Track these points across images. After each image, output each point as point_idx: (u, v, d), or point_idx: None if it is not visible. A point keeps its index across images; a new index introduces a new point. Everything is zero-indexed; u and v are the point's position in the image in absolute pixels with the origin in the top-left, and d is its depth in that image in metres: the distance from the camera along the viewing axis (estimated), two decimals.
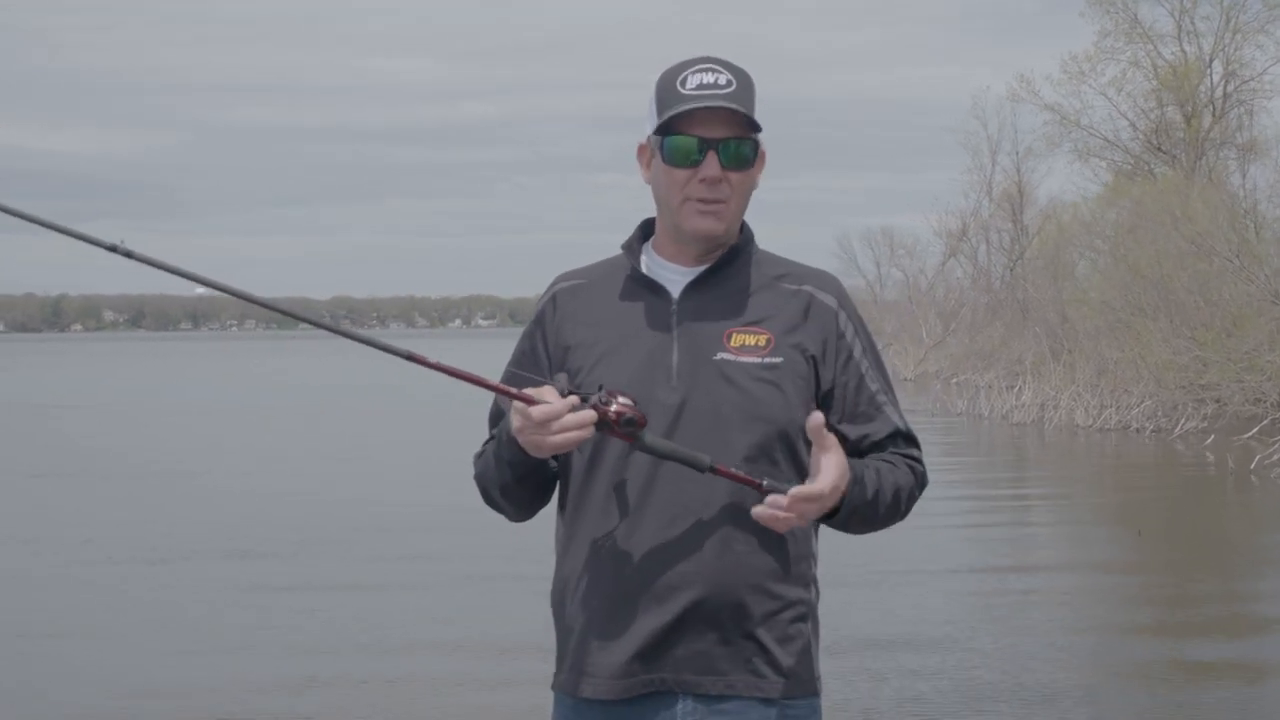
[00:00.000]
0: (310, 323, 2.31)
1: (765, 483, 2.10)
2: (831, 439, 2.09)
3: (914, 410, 25.25)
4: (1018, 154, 41.11)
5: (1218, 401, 20.07)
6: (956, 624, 7.68)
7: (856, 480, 2.14)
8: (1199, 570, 9.67)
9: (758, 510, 2.07)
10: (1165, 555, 10.39)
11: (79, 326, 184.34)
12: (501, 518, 2.36)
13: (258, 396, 31.85)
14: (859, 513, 2.16)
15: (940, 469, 16.71)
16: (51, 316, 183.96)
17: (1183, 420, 19.65)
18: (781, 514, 2.06)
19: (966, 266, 44.80)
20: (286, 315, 2.37)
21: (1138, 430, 20.14)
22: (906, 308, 45.37)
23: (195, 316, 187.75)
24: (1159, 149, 31.40)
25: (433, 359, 2.12)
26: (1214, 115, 30.95)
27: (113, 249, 2.13)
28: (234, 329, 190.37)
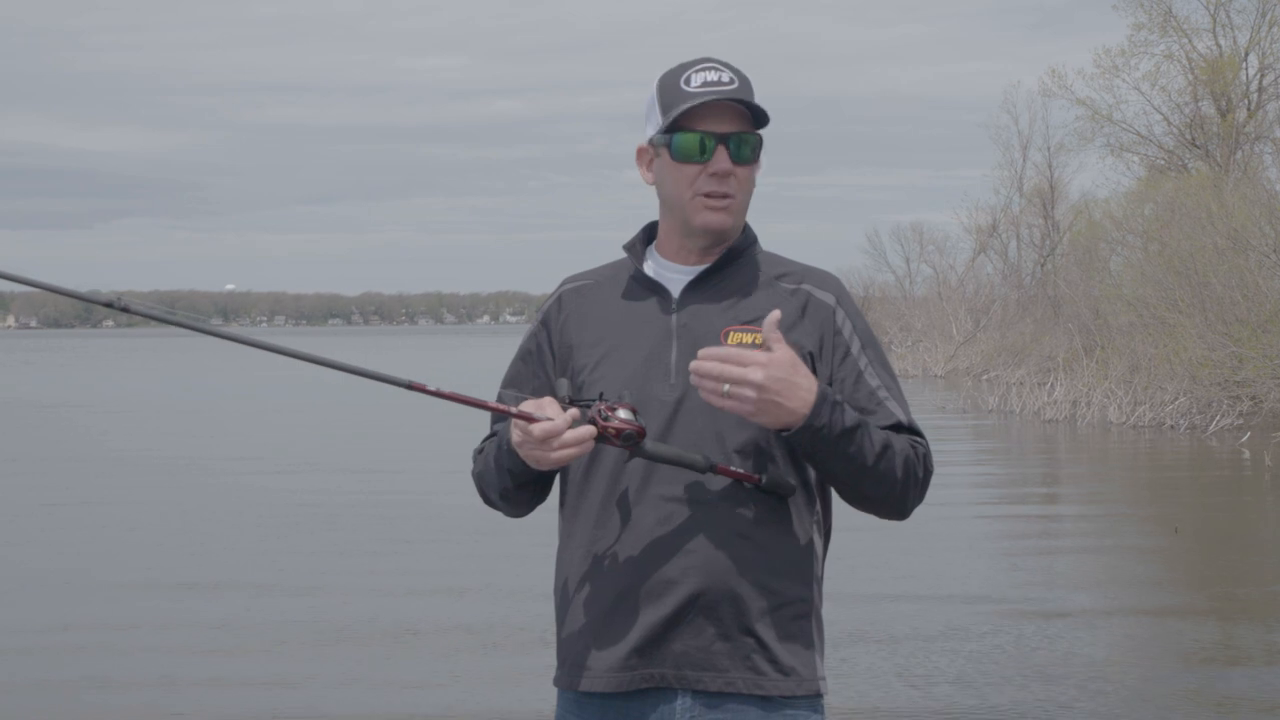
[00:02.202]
0: (308, 359, 2.25)
1: (764, 479, 2.15)
2: (780, 340, 2.10)
3: (945, 408, 25.11)
4: (1049, 149, 40.91)
5: (1254, 398, 19.85)
6: (984, 615, 7.60)
7: (828, 399, 2.11)
8: (1236, 568, 9.54)
9: (694, 364, 2.09)
10: (1202, 553, 10.26)
11: (110, 323, 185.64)
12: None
13: (280, 395, 31.94)
14: (837, 443, 2.11)
15: (972, 465, 16.57)
16: (84, 313, 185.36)
17: (1218, 417, 19.44)
18: (706, 363, 2.07)
19: (997, 262, 44.63)
20: (314, 362, 2.30)
21: (1172, 427, 19.94)
22: (936, 304, 45.16)
23: (225, 312, 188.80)
24: (1193, 144, 31.11)
25: (432, 386, 2.15)
26: (1249, 109, 30.63)
27: (109, 305, 2.17)
28: (264, 325, 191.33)
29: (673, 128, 2.22)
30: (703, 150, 2.21)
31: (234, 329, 2.30)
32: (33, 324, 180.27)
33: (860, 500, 2.22)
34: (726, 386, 2.07)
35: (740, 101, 2.20)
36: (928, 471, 2.24)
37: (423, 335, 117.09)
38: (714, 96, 2.19)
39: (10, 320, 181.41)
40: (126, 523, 11.78)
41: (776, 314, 2.11)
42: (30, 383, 38.06)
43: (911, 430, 2.25)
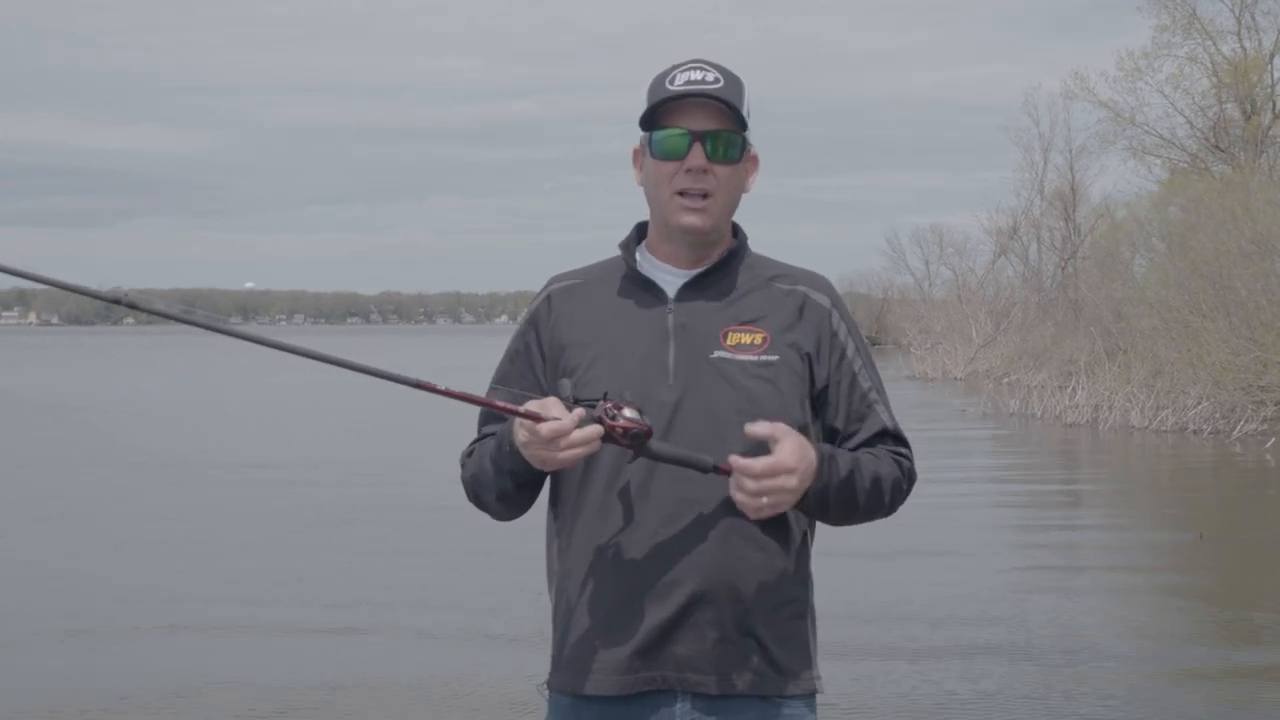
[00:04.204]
0: (310, 355, 2.18)
1: None
2: (782, 427, 2.10)
3: (965, 411, 24.96)
4: (1071, 152, 40.70)
5: (1278, 403, 19.68)
6: (1004, 620, 7.51)
7: (826, 458, 2.14)
8: (1261, 573, 9.43)
9: (738, 497, 2.08)
10: (1227, 558, 10.14)
11: (131, 320, 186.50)
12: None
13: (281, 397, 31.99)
14: (836, 494, 2.16)
15: (992, 469, 16.47)
16: (104, 310, 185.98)
17: (1242, 422, 19.28)
18: (750, 485, 2.06)
19: (1017, 265, 44.45)
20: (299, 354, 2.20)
21: (1195, 432, 19.78)
22: (956, 306, 44.98)
23: (245, 310, 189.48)
24: (1217, 147, 30.89)
25: (441, 385, 2.12)
26: (1274, 112, 30.41)
27: (116, 301, 2.13)
28: (282, 323, 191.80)
29: (652, 125, 2.21)
30: (678, 146, 2.20)
31: (242, 327, 2.26)
32: (54, 321, 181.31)
33: (843, 525, 2.27)
34: (765, 499, 2.09)
35: (715, 99, 2.18)
36: (911, 484, 2.28)
37: (443, 335, 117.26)
38: (689, 92, 2.18)
39: (32, 317, 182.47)
40: (134, 528, 11.77)
41: (758, 427, 2.10)
42: (41, 380, 38.21)
43: (896, 436, 2.28)
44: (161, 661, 6.95)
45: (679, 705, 2.16)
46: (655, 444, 2.11)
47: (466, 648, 7.16)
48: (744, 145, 2.23)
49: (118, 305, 2.11)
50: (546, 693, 2.27)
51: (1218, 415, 19.99)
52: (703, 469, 2.12)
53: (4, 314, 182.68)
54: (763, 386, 2.19)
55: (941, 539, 10.28)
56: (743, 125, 2.22)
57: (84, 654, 7.13)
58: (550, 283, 2.35)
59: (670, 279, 2.26)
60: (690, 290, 2.25)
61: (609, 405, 2.09)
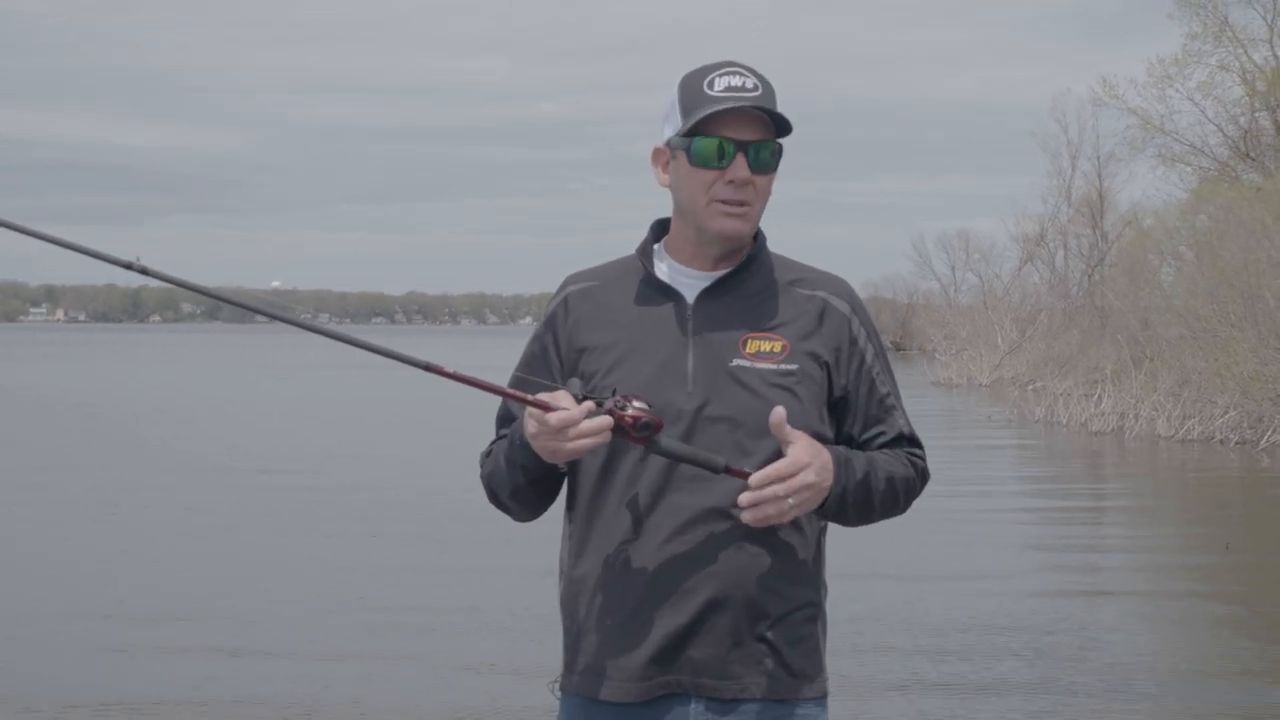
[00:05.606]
0: (319, 331, 2.30)
1: None
2: (796, 432, 2.11)
3: (991, 418, 24.84)
4: (1099, 158, 40.54)
5: None
6: (1028, 635, 7.46)
7: (842, 461, 2.16)
8: None
9: (746, 514, 2.08)
10: (1255, 570, 10.05)
11: (158, 318, 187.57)
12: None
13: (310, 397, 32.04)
14: (854, 497, 2.18)
15: (1018, 478, 16.38)
16: (131, 307, 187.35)
17: (1270, 433, 19.13)
18: (767, 493, 2.06)
19: (1044, 272, 44.28)
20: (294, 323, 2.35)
21: (1222, 442, 19.64)
22: (982, 312, 44.84)
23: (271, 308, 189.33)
24: (1247, 155, 30.67)
25: (450, 369, 2.12)
26: None
27: (128, 266, 2.15)
28: (307, 320, 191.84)
29: (693, 131, 2.19)
30: (721, 156, 2.17)
31: (255, 301, 2.29)
32: (81, 318, 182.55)
33: (860, 525, 2.29)
34: (790, 500, 2.09)
35: (763, 110, 2.17)
36: (924, 482, 2.30)
37: (468, 335, 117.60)
38: (737, 103, 2.16)
39: (60, 314, 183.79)
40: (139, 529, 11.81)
41: (782, 411, 2.11)
42: (52, 375, 38.46)
43: (912, 440, 2.30)
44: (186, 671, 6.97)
45: (692, 706, 2.17)
46: (666, 441, 2.10)
47: (479, 644, 7.17)
48: (781, 152, 2.22)
49: (130, 270, 2.14)
50: (559, 693, 2.28)
51: (1245, 425, 19.84)
52: (714, 469, 2.11)
53: (33, 310, 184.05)
54: (782, 395, 2.18)
55: (965, 555, 10.22)
56: (782, 133, 2.21)
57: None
58: (566, 284, 2.33)
59: (689, 283, 2.24)
60: (709, 296, 2.23)
61: (618, 398, 2.09)
